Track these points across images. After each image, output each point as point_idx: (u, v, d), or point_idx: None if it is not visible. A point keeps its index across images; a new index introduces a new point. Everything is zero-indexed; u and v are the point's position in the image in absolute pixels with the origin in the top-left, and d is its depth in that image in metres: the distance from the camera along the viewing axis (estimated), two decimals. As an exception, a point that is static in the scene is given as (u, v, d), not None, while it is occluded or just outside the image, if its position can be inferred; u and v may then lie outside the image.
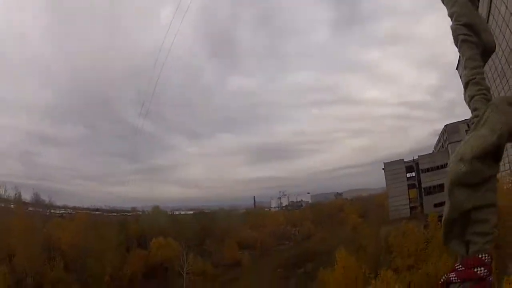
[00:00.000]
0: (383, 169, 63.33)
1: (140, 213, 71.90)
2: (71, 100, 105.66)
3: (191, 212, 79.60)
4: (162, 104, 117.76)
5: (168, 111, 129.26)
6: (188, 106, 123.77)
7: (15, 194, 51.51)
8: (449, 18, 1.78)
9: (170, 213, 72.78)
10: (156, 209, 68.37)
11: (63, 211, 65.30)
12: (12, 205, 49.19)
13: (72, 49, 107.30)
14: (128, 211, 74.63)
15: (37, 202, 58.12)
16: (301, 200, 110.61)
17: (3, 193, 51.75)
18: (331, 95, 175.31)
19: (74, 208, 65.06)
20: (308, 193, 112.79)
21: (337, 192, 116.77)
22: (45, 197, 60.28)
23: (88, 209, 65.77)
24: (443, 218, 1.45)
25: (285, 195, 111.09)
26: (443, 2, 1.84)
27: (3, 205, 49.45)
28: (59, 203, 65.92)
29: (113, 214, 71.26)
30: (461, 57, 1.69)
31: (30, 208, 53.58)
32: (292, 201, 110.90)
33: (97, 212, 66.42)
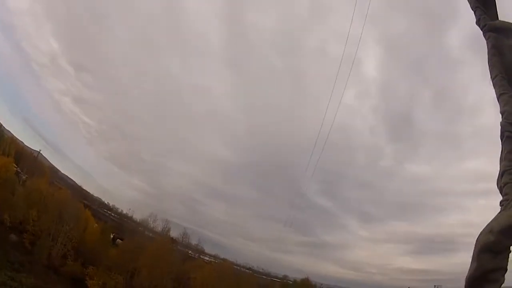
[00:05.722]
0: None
1: (291, 282, 69.60)
2: (247, 159, 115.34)
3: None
4: (340, 182, 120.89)
5: (346, 190, 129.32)
6: (365, 188, 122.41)
7: (164, 227, 58.82)
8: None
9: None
10: (306, 281, 65.44)
11: (212, 259, 67.83)
12: (155, 236, 55.88)
13: (255, 110, 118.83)
14: (279, 277, 73.02)
15: (183, 241, 63.27)
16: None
17: (151, 223, 59.82)
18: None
19: (223, 259, 66.46)
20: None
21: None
22: (195, 241, 64.77)
23: (239, 265, 66.67)
24: (466, 276, 1.85)
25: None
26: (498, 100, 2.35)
27: (151, 235, 57.76)
28: (211, 251, 69.74)
29: (263, 277, 70.87)
30: (503, 150, 2.16)
31: (178, 247, 59.51)
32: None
33: (247, 270, 67.48)
